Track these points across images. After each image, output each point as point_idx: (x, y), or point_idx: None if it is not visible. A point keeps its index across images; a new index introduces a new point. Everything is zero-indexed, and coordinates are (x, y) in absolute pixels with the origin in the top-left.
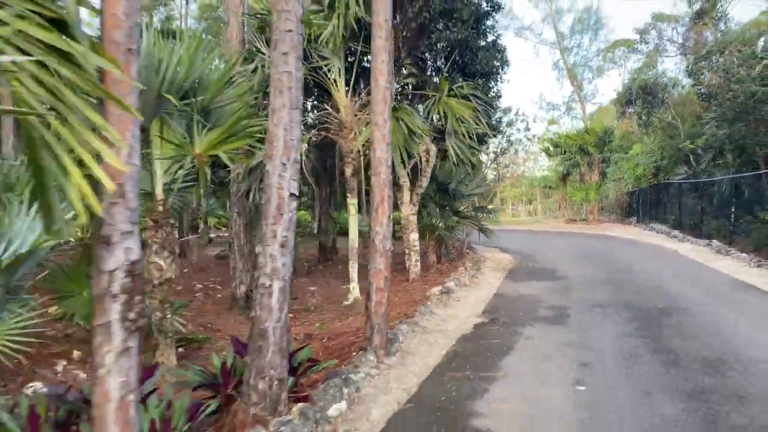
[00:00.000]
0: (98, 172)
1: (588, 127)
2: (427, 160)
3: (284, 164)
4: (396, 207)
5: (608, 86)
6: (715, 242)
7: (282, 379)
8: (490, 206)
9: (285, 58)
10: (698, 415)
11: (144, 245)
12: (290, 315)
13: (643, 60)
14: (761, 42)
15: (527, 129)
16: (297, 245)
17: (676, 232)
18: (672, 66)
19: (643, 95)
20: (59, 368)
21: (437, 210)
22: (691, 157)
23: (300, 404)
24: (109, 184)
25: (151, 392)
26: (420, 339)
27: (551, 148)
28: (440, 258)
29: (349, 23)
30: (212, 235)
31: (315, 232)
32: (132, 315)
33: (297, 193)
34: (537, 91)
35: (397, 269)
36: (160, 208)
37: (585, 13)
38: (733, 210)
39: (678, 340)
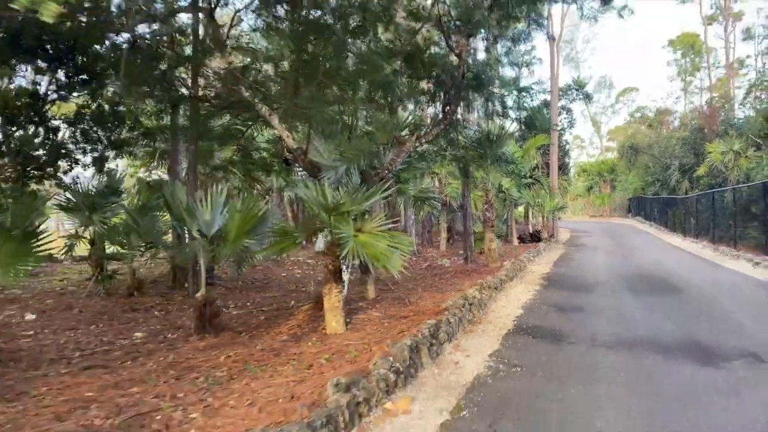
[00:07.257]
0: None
1: (604, 159)
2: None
3: None
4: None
5: (620, 118)
6: (653, 223)
7: (548, 237)
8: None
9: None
10: (614, 240)
11: None
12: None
13: (632, 129)
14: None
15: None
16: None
17: (643, 220)
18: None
19: (630, 150)
20: None
21: None
22: (656, 182)
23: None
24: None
25: None
26: (556, 241)
27: (581, 172)
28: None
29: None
30: None
31: None
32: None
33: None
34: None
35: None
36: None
37: (601, 78)
38: (655, 209)
39: (620, 240)
